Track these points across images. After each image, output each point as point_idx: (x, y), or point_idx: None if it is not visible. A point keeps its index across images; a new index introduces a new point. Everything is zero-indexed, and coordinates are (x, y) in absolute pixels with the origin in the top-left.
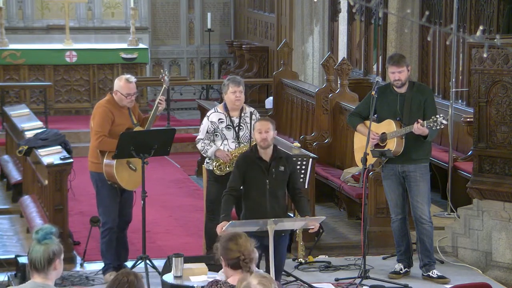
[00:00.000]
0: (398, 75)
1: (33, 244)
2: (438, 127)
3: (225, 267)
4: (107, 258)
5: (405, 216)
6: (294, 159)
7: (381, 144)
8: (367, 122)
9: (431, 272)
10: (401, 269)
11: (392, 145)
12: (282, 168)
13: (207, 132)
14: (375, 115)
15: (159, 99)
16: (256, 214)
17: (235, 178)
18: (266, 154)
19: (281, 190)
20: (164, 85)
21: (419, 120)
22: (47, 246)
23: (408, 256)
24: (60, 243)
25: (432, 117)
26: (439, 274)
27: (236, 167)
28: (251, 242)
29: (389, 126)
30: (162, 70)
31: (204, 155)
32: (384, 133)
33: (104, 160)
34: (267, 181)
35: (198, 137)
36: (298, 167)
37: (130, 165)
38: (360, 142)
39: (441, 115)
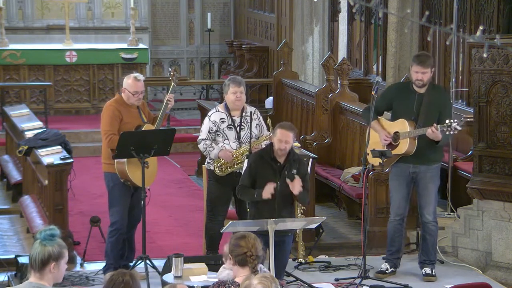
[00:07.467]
0: (421, 75)
1: (34, 243)
2: (452, 132)
3: (233, 266)
4: (110, 258)
5: (403, 218)
6: (305, 160)
7: (394, 144)
8: (381, 119)
9: (423, 269)
10: (387, 269)
11: (404, 145)
12: (294, 171)
13: (209, 132)
14: (390, 111)
15: (168, 97)
16: (265, 215)
17: (246, 176)
18: (281, 156)
19: (291, 193)
20: (172, 83)
21: (434, 125)
22: (44, 248)
23: (396, 257)
24: (63, 247)
25: (447, 122)
26: (428, 272)
27: (249, 165)
28: (260, 242)
29: (402, 125)
30: (170, 68)
31: (206, 155)
32: (397, 132)
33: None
34: (278, 182)
35: (199, 137)
36: None
37: None
38: (373, 139)
39: (455, 120)
